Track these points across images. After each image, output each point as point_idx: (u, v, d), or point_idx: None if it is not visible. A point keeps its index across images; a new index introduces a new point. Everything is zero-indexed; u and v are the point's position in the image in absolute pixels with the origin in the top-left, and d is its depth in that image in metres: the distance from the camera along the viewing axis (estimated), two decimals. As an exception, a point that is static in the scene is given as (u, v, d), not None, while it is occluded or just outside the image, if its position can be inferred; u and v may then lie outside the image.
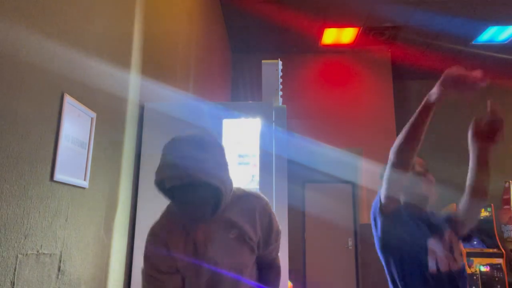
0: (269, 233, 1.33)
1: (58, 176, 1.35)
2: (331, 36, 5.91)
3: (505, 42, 5.84)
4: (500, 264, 5.45)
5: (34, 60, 1.23)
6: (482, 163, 1.52)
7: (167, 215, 1.34)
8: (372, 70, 6.38)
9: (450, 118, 7.05)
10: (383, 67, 6.38)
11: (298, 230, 6.38)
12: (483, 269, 5.41)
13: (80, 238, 1.54)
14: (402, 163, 1.39)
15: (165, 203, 1.38)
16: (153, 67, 2.46)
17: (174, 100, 2.85)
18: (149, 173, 2.12)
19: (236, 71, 6.49)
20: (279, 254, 1.46)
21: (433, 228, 1.57)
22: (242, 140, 2.20)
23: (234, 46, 6.33)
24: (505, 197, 6.07)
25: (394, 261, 1.54)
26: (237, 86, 6.42)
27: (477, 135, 1.47)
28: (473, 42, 5.88)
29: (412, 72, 6.96)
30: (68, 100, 1.41)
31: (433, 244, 1.48)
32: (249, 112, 2.18)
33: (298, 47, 6.28)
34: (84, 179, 1.56)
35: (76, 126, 1.48)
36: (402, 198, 1.58)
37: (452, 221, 1.64)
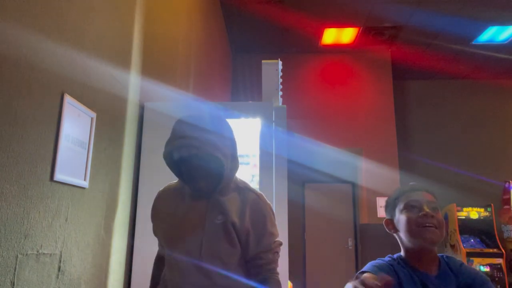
0: (262, 232, 1.27)
1: (58, 176, 1.35)
2: (331, 36, 5.91)
3: (505, 42, 5.84)
4: (500, 264, 5.45)
5: (34, 60, 1.23)
6: None
7: (175, 184, 1.41)
8: (372, 70, 6.38)
9: (450, 118, 7.05)
10: (383, 67, 6.38)
11: (298, 230, 6.38)
12: (483, 269, 5.41)
13: (80, 238, 1.54)
14: None
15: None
16: (153, 67, 2.46)
17: (174, 100, 2.85)
18: (149, 173, 2.13)
19: (236, 71, 6.49)
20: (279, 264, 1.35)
21: None
22: (242, 140, 2.20)
23: (234, 46, 6.33)
24: (505, 197, 6.07)
25: None
26: (237, 86, 6.42)
27: None
28: (473, 42, 5.88)
29: (412, 72, 6.96)
30: (68, 100, 1.41)
31: None
32: (249, 112, 2.18)
33: (298, 47, 6.28)
34: (84, 179, 1.56)
35: (76, 126, 1.48)
36: None
37: None
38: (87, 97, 1.58)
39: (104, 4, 1.74)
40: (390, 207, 1.30)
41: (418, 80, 7.25)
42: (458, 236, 5.69)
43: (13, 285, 1.14)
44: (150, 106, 2.23)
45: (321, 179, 6.46)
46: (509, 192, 6.00)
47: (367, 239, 5.82)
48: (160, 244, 1.43)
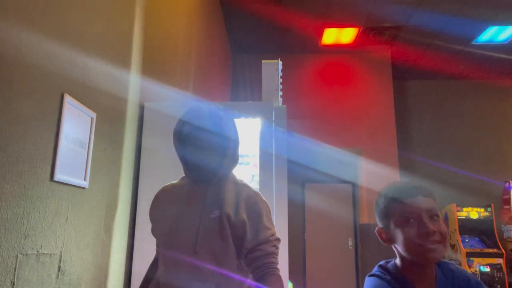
0: (259, 226, 1.23)
1: (58, 176, 1.35)
2: (331, 36, 5.91)
3: (505, 42, 5.84)
4: (500, 264, 5.45)
5: (34, 60, 1.23)
6: None
7: (174, 184, 1.43)
8: (372, 70, 6.38)
9: (450, 118, 7.05)
10: (383, 67, 6.38)
11: (298, 230, 6.38)
12: (483, 269, 5.41)
13: (80, 238, 1.54)
14: None
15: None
16: (153, 67, 2.46)
17: (174, 100, 2.85)
18: (149, 173, 2.13)
19: (236, 71, 6.49)
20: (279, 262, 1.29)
21: None
22: (242, 140, 2.20)
23: (234, 46, 6.33)
24: (505, 197, 6.07)
25: None
26: (237, 86, 6.42)
27: None
28: (473, 42, 5.88)
29: (412, 72, 6.96)
30: (68, 100, 1.41)
31: None
32: (249, 112, 2.18)
33: (298, 47, 6.28)
34: (84, 179, 1.56)
35: (76, 126, 1.48)
36: None
37: None
38: (87, 97, 1.58)
39: (104, 4, 1.74)
40: (382, 215, 1.11)
41: (418, 80, 7.25)
42: (458, 236, 5.69)
43: (13, 285, 1.14)
44: (150, 106, 2.23)
45: (321, 179, 6.46)
46: (509, 192, 6.00)
47: (367, 239, 5.83)
48: (157, 245, 1.42)
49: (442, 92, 7.18)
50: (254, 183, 2.11)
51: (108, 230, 1.80)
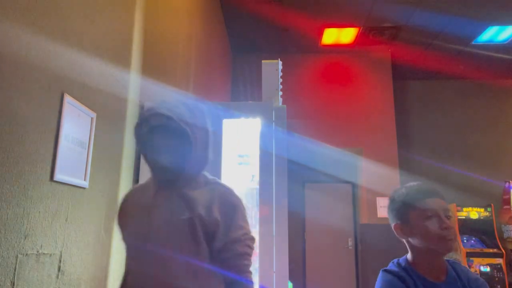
0: (230, 223, 1.17)
1: (58, 176, 1.35)
2: (331, 36, 5.91)
3: (505, 42, 5.84)
4: (500, 264, 5.45)
5: (34, 60, 1.23)
6: None
7: (143, 184, 1.36)
8: (372, 70, 6.38)
9: (450, 118, 7.05)
10: (383, 67, 6.38)
11: (298, 230, 6.38)
12: (483, 269, 5.41)
13: (80, 238, 1.54)
14: None
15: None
16: (153, 67, 2.46)
17: (174, 100, 2.84)
18: (149, 173, 2.12)
19: (236, 71, 6.49)
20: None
21: None
22: (242, 140, 2.20)
23: (234, 46, 6.33)
24: (505, 197, 6.07)
25: None
26: (237, 86, 6.42)
27: None
28: (473, 42, 5.88)
29: (412, 72, 6.96)
30: (68, 100, 1.41)
31: None
32: (249, 112, 2.18)
33: (298, 47, 6.28)
34: (84, 179, 1.56)
35: (76, 126, 1.48)
36: None
37: None
38: (87, 97, 1.58)
39: (104, 4, 1.74)
40: (401, 211, 1.23)
41: (418, 80, 7.25)
42: (458, 236, 5.69)
43: (13, 285, 1.14)
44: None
45: (321, 179, 6.46)
46: (509, 192, 6.00)
47: (367, 239, 5.82)
48: (127, 254, 1.28)
49: (442, 92, 7.18)
50: (254, 183, 2.11)
51: (108, 230, 1.80)
